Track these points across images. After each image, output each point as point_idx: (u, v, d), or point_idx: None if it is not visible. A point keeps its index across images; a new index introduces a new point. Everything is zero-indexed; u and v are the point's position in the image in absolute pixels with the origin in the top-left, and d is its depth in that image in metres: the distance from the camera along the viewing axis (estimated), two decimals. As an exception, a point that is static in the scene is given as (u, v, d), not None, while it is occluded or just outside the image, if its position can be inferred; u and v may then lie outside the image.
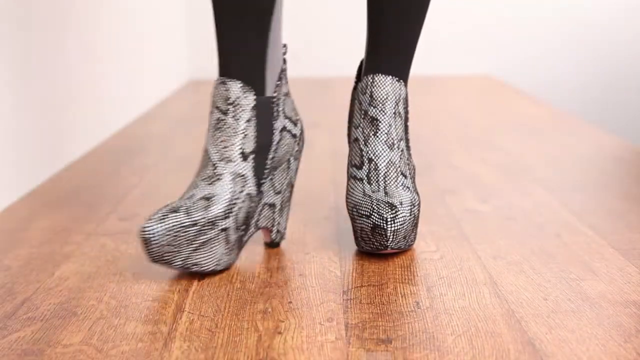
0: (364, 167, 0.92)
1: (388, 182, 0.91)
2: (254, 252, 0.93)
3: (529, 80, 2.87)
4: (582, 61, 2.88)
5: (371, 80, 0.93)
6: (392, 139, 0.93)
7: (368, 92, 0.93)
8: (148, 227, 0.80)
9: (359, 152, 0.93)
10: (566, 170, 1.33)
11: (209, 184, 0.85)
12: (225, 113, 0.87)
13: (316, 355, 0.66)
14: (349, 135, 0.98)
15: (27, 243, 0.97)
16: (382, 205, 0.87)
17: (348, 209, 0.92)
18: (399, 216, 0.87)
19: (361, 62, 1.00)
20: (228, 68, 0.89)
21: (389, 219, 0.86)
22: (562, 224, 1.01)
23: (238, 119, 0.87)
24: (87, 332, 0.71)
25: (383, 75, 0.93)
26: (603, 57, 2.87)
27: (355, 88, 0.98)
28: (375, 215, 0.87)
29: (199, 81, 2.78)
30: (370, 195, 0.89)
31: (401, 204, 0.88)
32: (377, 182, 0.91)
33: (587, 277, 0.83)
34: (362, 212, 0.88)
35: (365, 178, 0.92)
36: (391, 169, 0.92)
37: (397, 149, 0.93)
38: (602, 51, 2.87)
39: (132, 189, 1.24)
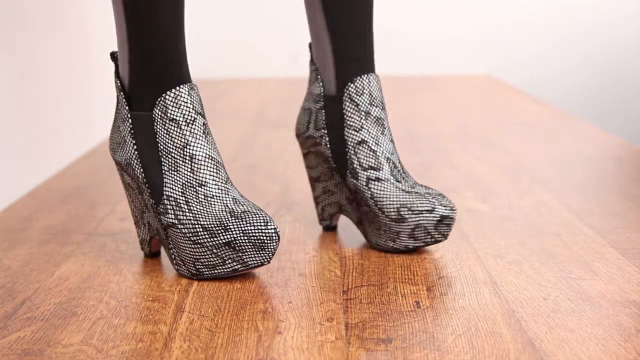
0: (384, 167, 0.92)
1: (410, 176, 0.93)
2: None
3: (529, 79, 2.87)
4: (583, 61, 2.88)
5: (367, 81, 0.93)
6: (392, 135, 0.94)
7: (366, 92, 0.93)
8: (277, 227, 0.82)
9: (372, 153, 0.92)
10: (566, 170, 1.33)
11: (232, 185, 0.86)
12: (204, 117, 0.86)
13: (316, 355, 0.66)
14: (344, 141, 0.93)
15: (27, 243, 0.97)
16: (439, 198, 0.89)
17: (387, 212, 0.89)
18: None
19: (315, 69, 0.96)
20: (183, 73, 0.87)
21: (454, 207, 0.89)
22: (562, 223, 1.01)
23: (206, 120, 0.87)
24: (87, 332, 0.71)
25: (373, 74, 0.94)
26: (603, 57, 2.87)
27: (322, 95, 0.95)
28: (440, 207, 0.88)
29: (199, 81, 2.78)
30: (414, 192, 0.90)
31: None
32: (403, 178, 0.92)
33: (587, 277, 0.83)
34: (420, 208, 0.88)
35: (392, 177, 0.91)
36: (402, 164, 0.94)
37: (394, 143, 0.94)
38: (602, 51, 2.87)
39: (132, 189, 1.24)
